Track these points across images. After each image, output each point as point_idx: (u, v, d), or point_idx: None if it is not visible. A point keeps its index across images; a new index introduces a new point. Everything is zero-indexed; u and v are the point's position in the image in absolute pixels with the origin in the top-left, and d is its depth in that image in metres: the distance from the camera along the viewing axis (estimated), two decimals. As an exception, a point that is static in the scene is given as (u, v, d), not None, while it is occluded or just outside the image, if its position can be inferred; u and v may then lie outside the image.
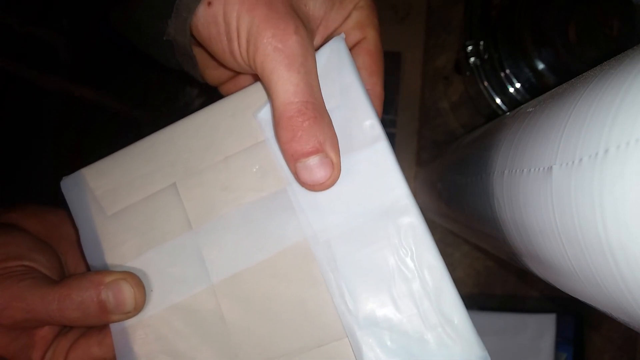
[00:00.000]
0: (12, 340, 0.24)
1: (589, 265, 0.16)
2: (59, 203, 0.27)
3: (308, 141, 0.21)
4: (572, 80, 0.21)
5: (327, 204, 0.22)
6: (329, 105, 0.22)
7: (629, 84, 0.14)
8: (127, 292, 0.23)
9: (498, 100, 0.47)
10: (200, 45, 0.24)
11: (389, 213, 0.21)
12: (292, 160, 0.21)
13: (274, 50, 0.20)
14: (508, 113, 0.31)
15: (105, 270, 0.24)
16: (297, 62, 0.20)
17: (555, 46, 0.44)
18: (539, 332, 0.50)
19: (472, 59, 0.47)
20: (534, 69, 0.45)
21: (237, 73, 0.28)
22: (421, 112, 0.55)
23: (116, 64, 0.48)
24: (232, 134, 0.23)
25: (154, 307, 0.23)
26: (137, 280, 0.23)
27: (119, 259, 0.24)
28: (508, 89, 0.46)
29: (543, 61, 0.45)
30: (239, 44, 0.22)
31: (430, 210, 0.52)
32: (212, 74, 0.28)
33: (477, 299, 0.54)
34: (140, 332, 0.23)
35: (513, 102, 0.46)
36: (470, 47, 0.46)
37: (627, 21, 0.40)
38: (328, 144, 0.21)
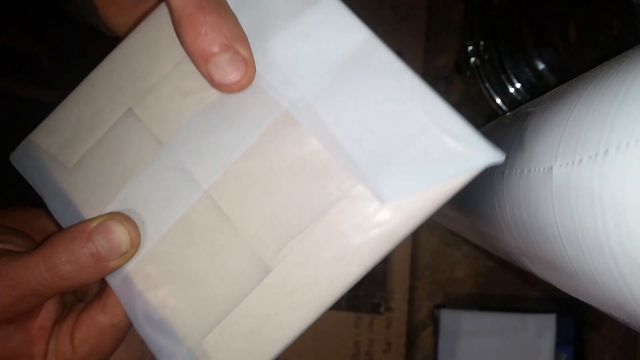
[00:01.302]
0: (5, 340, 0.22)
1: (589, 265, 0.16)
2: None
3: (214, 38, 0.20)
4: (572, 80, 0.21)
5: (294, 73, 0.21)
6: None
7: (629, 84, 0.14)
8: (119, 231, 0.21)
9: (498, 100, 0.47)
10: None
11: (356, 58, 0.20)
12: (202, 61, 0.20)
13: None
14: (508, 113, 0.31)
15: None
16: None
17: (555, 46, 0.44)
18: (539, 332, 0.50)
19: (472, 59, 0.47)
20: (534, 69, 0.45)
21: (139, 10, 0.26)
22: (421, 112, 0.55)
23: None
24: (174, 40, 0.22)
25: (152, 237, 0.22)
26: (124, 216, 0.21)
27: (97, 207, 0.22)
28: (508, 89, 0.46)
29: (543, 61, 0.45)
30: None
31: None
32: (116, 19, 0.27)
33: (477, 299, 0.54)
34: (145, 270, 0.22)
35: (513, 102, 0.46)
36: (470, 47, 0.46)
37: (627, 21, 0.40)
38: (237, 39, 0.20)
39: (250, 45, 0.21)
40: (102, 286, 0.24)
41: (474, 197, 0.29)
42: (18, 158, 0.24)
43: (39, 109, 0.24)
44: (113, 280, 0.22)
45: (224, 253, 0.21)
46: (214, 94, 0.22)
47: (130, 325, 0.23)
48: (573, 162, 0.16)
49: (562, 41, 0.44)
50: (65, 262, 0.20)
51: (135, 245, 0.21)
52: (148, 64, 0.22)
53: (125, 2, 0.27)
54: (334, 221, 0.20)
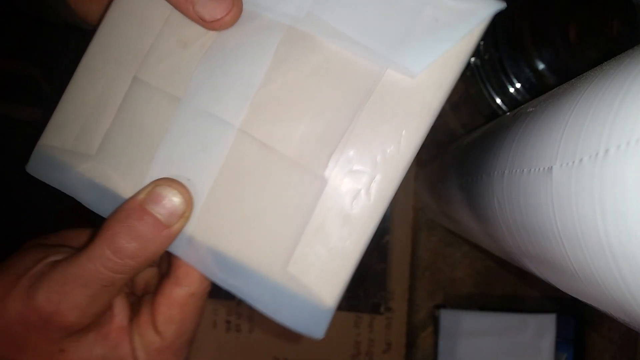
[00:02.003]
0: (88, 351, 0.21)
1: (589, 265, 0.16)
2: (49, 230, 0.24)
3: None
4: (572, 80, 0.21)
5: None
6: None
7: (629, 84, 0.14)
8: (169, 194, 0.20)
9: (498, 100, 0.47)
10: None
11: None
12: (188, 6, 0.20)
13: None
14: (508, 113, 0.31)
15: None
16: None
17: (555, 46, 0.44)
18: (539, 332, 0.50)
19: (472, 59, 0.47)
20: (534, 69, 0.45)
21: None
22: (421, 112, 0.54)
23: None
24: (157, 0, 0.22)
25: (202, 191, 0.21)
26: (168, 179, 0.20)
27: (135, 183, 0.21)
28: (508, 89, 0.46)
29: (543, 61, 0.45)
30: None
31: (430, 210, 0.52)
32: (90, 9, 0.27)
33: (477, 299, 0.54)
34: (206, 225, 0.21)
35: (513, 102, 0.46)
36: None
37: (627, 21, 0.40)
38: None
39: None
40: (164, 271, 0.23)
41: (474, 197, 0.29)
42: (35, 166, 0.23)
43: (40, 131, 0.24)
44: (178, 249, 0.21)
45: (277, 181, 0.21)
46: (212, 35, 0.21)
47: (207, 290, 0.22)
48: (573, 162, 0.16)
49: (562, 41, 0.44)
50: (129, 240, 0.19)
51: (189, 203, 0.20)
52: (138, 28, 0.22)
53: (100, 2, 0.27)
54: (373, 111, 0.20)
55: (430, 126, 0.20)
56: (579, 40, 0.43)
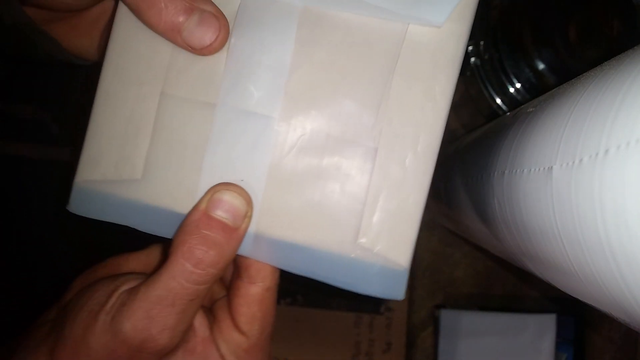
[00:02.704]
0: None
1: (589, 265, 0.16)
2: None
3: (176, 6, 0.20)
4: (572, 80, 0.21)
5: None
6: None
7: (629, 84, 0.14)
8: (229, 197, 0.20)
9: (498, 100, 0.47)
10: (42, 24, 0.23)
11: None
12: (175, 35, 0.20)
13: None
14: (508, 113, 0.31)
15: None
16: None
17: (555, 46, 0.44)
18: (539, 332, 0.50)
19: (472, 59, 0.47)
20: (534, 69, 0.45)
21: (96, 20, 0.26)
22: (421, 112, 0.54)
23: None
24: None
25: (257, 188, 0.21)
26: (224, 184, 0.21)
27: (189, 197, 0.21)
28: (508, 89, 0.46)
29: (543, 61, 0.45)
30: None
31: (431, 210, 0.52)
32: (81, 43, 0.27)
33: (477, 299, 0.54)
34: (269, 221, 0.21)
35: (513, 102, 0.46)
36: (470, 47, 0.46)
37: (627, 21, 0.40)
38: None
39: None
40: (228, 276, 0.24)
41: (474, 197, 0.29)
42: (77, 205, 0.22)
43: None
44: (245, 250, 0.21)
45: (328, 162, 0.21)
46: (231, 33, 0.21)
47: (278, 281, 0.23)
48: (573, 162, 0.16)
49: (562, 41, 0.44)
50: (207, 249, 0.19)
51: (249, 202, 0.21)
52: (150, 45, 0.22)
53: (83, 23, 0.27)
54: (403, 73, 0.21)
55: (457, 77, 0.21)
56: (579, 40, 0.43)
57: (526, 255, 0.24)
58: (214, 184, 0.21)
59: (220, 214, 0.20)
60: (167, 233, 0.21)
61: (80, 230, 0.47)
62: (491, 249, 0.33)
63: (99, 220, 0.22)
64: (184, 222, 0.20)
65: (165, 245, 0.21)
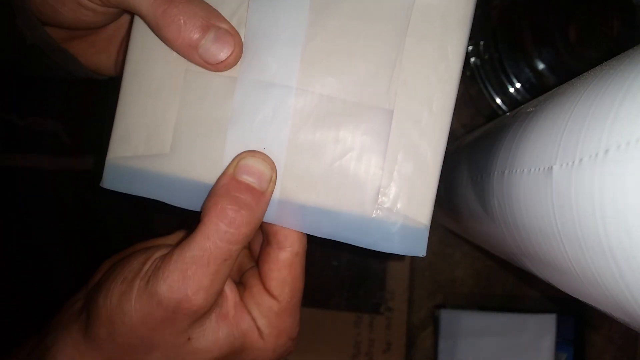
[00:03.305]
0: (216, 334, 0.22)
1: (589, 265, 0.16)
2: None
3: (194, 23, 0.20)
4: (572, 80, 0.21)
5: None
6: None
7: (629, 84, 0.14)
8: (254, 162, 0.21)
9: (498, 100, 0.47)
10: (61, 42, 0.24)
11: None
12: (192, 52, 0.21)
13: None
14: (508, 113, 0.31)
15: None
16: None
17: (555, 46, 0.44)
18: (539, 332, 0.50)
19: (472, 59, 0.47)
20: (534, 69, 0.45)
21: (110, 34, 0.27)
22: (421, 112, 0.54)
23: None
24: None
25: (279, 154, 0.22)
26: (248, 152, 0.21)
27: (215, 168, 0.22)
28: (508, 89, 0.46)
29: (543, 61, 0.45)
30: None
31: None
32: (99, 59, 0.28)
33: (477, 299, 0.54)
34: (291, 186, 0.22)
35: (513, 102, 0.46)
36: (470, 47, 0.46)
37: (627, 21, 0.40)
38: (212, 16, 0.21)
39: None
40: (258, 252, 0.25)
41: (474, 197, 0.29)
42: (111, 181, 0.23)
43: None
44: (271, 216, 0.22)
45: (347, 126, 0.22)
46: (245, 6, 0.22)
47: (306, 246, 0.23)
48: (573, 162, 0.16)
49: (562, 41, 0.44)
50: (239, 209, 0.20)
51: (273, 167, 0.22)
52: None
53: (101, 40, 0.28)
54: (415, 36, 0.22)
55: (468, 37, 0.22)
56: (579, 40, 0.43)
57: (526, 255, 0.24)
58: (239, 153, 0.22)
59: (247, 177, 0.21)
60: (194, 206, 0.22)
61: (84, 240, 0.47)
62: (491, 249, 0.33)
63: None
64: (214, 187, 0.21)
65: (189, 231, 0.22)
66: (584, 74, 0.20)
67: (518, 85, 0.46)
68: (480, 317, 0.51)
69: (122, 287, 0.21)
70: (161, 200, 0.23)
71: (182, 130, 0.23)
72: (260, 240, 0.25)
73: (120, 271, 0.22)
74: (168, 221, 0.58)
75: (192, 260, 0.20)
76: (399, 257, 0.53)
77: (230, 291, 0.23)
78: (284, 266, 0.23)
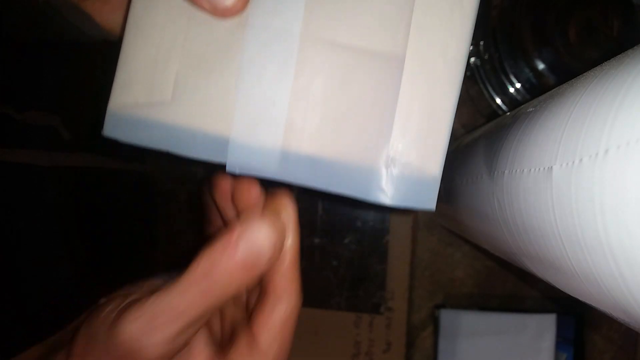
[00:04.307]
0: None
1: (589, 265, 0.16)
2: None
3: None
4: (572, 80, 0.21)
5: None
6: None
7: (629, 84, 0.14)
8: (258, 236, 0.19)
9: (498, 100, 0.47)
10: None
11: None
12: None
13: None
14: (508, 113, 0.31)
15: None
16: None
17: (555, 46, 0.44)
18: (539, 332, 0.50)
19: (472, 59, 0.47)
20: (534, 69, 0.45)
21: None
22: (421, 112, 0.55)
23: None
24: None
25: (282, 103, 0.21)
26: (257, 219, 0.20)
27: (222, 118, 0.21)
28: (508, 89, 0.46)
29: (543, 61, 0.45)
30: None
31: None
32: (113, 19, 0.27)
33: (477, 299, 0.54)
34: (293, 138, 0.21)
35: (513, 102, 0.46)
36: (470, 47, 0.46)
37: (627, 21, 0.40)
38: None
39: None
40: (253, 303, 0.23)
41: (474, 197, 0.29)
42: (111, 129, 0.22)
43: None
44: (273, 171, 0.21)
45: (356, 73, 0.21)
46: None
47: (301, 303, 0.22)
48: (573, 162, 0.16)
49: (562, 41, 0.44)
50: (222, 275, 0.19)
51: (277, 243, 0.20)
52: None
53: (117, 4, 0.27)
54: None
55: None
56: (579, 40, 0.43)
57: (526, 255, 0.24)
58: (249, 104, 0.21)
59: (243, 254, 0.19)
60: (196, 154, 0.22)
61: (82, 236, 0.47)
62: (491, 249, 0.33)
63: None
64: (213, 242, 0.20)
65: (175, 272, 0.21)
66: (584, 74, 0.20)
67: (518, 85, 0.46)
68: (480, 317, 0.51)
69: (98, 322, 0.20)
70: (163, 149, 0.22)
71: (185, 79, 0.22)
72: (257, 292, 0.24)
73: (103, 308, 0.21)
74: (169, 219, 0.58)
75: (162, 311, 0.19)
76: (398, 260, 0.53)
77: (204, 345, 0.22)
78: (278, 321, 0.22)
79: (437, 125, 0.21)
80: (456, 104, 0.21)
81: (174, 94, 0.22)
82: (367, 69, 0.21)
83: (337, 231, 0.53)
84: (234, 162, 0.22)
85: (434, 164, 0.21)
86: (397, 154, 0.21)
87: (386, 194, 0.21)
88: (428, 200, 0.21)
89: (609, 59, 0.18)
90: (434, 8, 0.21)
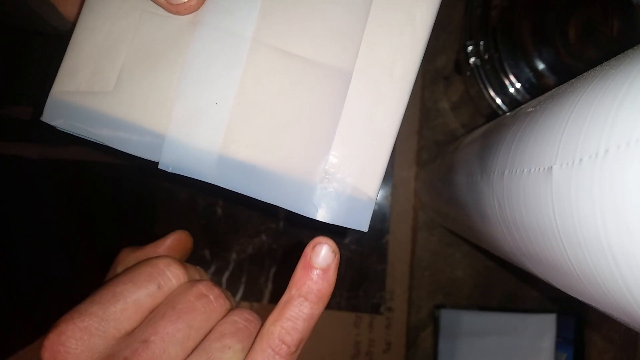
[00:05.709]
0: None
1: (589, 265, 0.16)
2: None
3: None
4: (572, 80, 0.21)
5: None
6: None
7: (629, 84, 0.14)
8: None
9: (498, 100, 0.47)
10: None
11: None
12: None
13: None
14: (508, 113, 0.31)
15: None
16: None
17: (555, 46, 0.44)
18: (539, 332, 0.50)
19: (472, 59, 0.47)
20: (534, 69, 0.45)
21: None
22: (421, 112, 0.55)
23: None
24: None
25: (225, 108, 0.21)
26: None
27: (159, 112, 0.21)
28: (508, 89, 0.46)
29: (543, 61, 0.45)
30: None
31: (430, 210, 0.52)
32: (69, 5, 0.27)
33: (477, 299, 0.54)
34: (232, 143, 0.21)
35: (513, 102, 0.46)
36: (470, 47, 0.46)
37: (627, 21, 0.40)
38: None
39: None
40: None
41: (474, 197, 0.29)
42: (50, 115, 0.22)
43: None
44: (211, 174, 0.21)
45: (302, 84, 0.21)
46: None
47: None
48: (573, 162, 0.16)
49: (562, 41, 0.44)
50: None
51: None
52: None
53: None
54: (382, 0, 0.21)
55: (439, 6, 0.21)
56: (579, 40, 0.43)
57: (526, 255, 0.24)
58: (189, 102, 0.21)
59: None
60: (133, 150, 0.21)
61: (78, 229, 0.47)
62: (491, 249, 0.33)
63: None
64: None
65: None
66: (584, 74, 0.20)
67: (518, 85, 0.46)
68: (480, 317, 0.51)
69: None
70: (98, 141, 0.21)
71: (130, 71, 0.22)
72: None
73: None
74: (169, 215, 0.58)
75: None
76: (398, 260, 0.53)
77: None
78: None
79: (377, 145, 0.21)
80: (399, 124, 0.21)
81: (117, 85, 0.22)
82: (314, 80, 0.21)
83: (337, 231, 0.53)
84: (168, 160, 0.21)
85: (370, 185, 0.21)
86: (333, 169, 0.21)
87: (317, 210, 0.21)
88: (361, 221, 0.21)
89: (609, 59, 0.18)
90: (386, 27, 0.21)
